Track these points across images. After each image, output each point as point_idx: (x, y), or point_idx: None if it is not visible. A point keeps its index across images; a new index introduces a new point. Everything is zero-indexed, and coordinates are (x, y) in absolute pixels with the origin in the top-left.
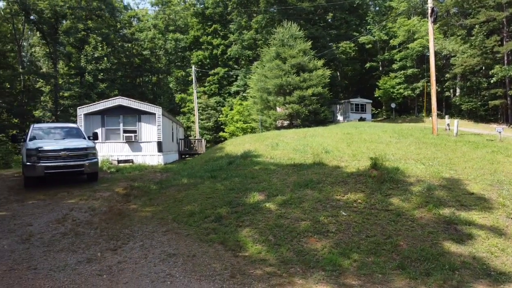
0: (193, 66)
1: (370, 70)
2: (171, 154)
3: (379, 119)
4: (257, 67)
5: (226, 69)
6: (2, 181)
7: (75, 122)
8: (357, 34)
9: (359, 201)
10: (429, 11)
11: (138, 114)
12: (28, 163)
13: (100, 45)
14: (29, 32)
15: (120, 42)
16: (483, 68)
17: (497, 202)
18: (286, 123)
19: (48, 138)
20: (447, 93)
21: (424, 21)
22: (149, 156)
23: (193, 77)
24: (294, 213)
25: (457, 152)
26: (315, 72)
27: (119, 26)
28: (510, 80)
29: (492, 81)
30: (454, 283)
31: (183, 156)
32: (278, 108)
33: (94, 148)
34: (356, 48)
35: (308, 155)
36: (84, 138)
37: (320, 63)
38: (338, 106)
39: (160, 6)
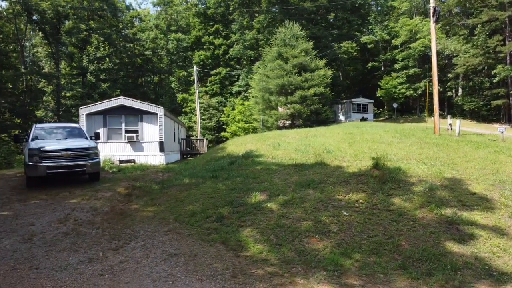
0: (195, 66)
1: (372, 70)
2: (173, 154)
3: (381, 119)
4: (259, 67)
5: (228, 69)
6: (5, 181)
7: (77, 122)
8: (359, 34)
9: (360, 201)
10: (431, 10)
11: (140, 114)
12: (30, 163)
13: (102, 45)
14: (31, 32)
15: (122, 42)
16: (486, 68)
17: (499, 202)
18: (288, 123)
19: (50, 138)
20: (449, 93)
21: (426, 21)
22: (151, 156)
23: (195, 77)
24: (295, 213)
25: (459, 152)
26: (317, 72)
27: (121, 26)
28: None
29: (494, 81)
30: (456, 283)
31: (185, 156)
32: (280, 108)
33: (96, 148)
34: (358, 48)
35: (310, 155)
36: (86, 138)
37: (322, 63)
38: (340, 106)
39: (162, 6)
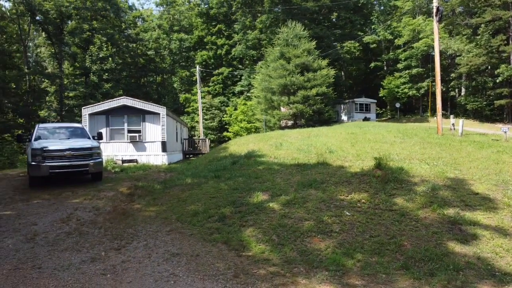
0: (197, 66)
1: (374, 70)
2: (175, 154)
3: (384, 119)
4: (261, 67)
5: (230, 69)
6: (8, 181)
7: (80, 122)
8: (362, 33)
9: (363, 201)
10: (434, 10)
11: (143, 114)
12: (33, 163)
13: (105, 45)
14: (34, 33)
15: (125, 42)
16: (489, 67)
17: (502, 202)
18: (290, 123)
19: (53, 138)
20: (452, 93)
21: (429, 21)
22: (153, 156)
23: (198, 77)
24: (297, 213)
25: (462, 152)
26: (320, 72)
27: (124, 27)
28: None
29: (497, 81)
30: (458, 283)
31: (187, 156)
32: (282, 108)
33: (98, 148)
34: (361, 48)
35: (312, 155)
36: (89, 138)
37: (324, 62)
38: (342, 106)
39: (164, 6)
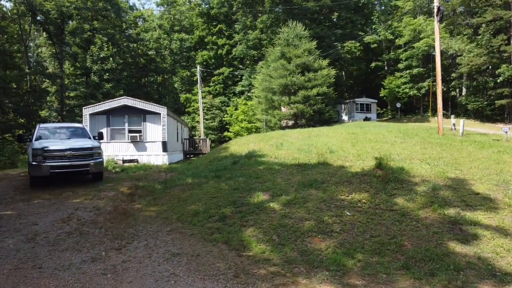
0: (198, 66)
1: (375, 70)
2: (176, 154)
3: (384, 118)
4: (262, 67)
5: (231, 69)
6: (9, 181)
7: (80, 122)
8: (363, 33)
9: (363, 201)
10: (435, 10)
11: (143, 114)
12: (34, 163)
13: (106, 45)
14: (35, 33)
15: (126, 42)
16: (490, 67)
17: (503, 202)
18: (291, 123)
19: (54, 138)
20: (453, 93)
21: (430, 20)
22: (154, 156)
23: (198, 77)
24: (298, 213)
25: (462, 152)
26: (320, 72)
27: (124, 27)
28: None
29: (498, 81)
30: (459, 283)
31: (188, 156)
32: (283, 108)
33: (99, 148)
34: (362, 48)
35: (313, 155)
36: (90, 138)
37: (325, 62)
38: (343, 106)
39: (165, 6)
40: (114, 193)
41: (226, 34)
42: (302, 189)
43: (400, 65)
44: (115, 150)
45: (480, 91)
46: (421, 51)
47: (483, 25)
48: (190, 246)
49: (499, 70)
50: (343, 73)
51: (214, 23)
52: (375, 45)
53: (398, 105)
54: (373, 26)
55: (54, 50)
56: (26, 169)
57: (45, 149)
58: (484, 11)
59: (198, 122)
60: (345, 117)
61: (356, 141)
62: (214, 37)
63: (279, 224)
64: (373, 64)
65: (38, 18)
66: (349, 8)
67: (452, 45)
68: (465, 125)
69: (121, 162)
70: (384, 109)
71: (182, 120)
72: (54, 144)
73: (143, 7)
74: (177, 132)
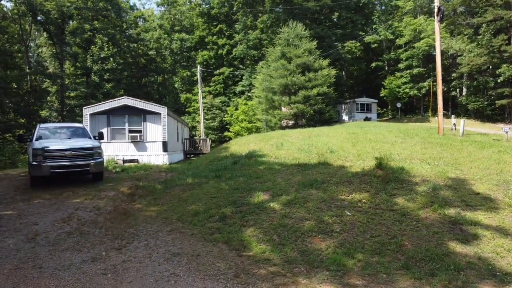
0: (198, 66)
1: (375, 70)
2: (176, 153)
3: (385, 118)
4: (262, 67)
5: (231, 69)
6: (9, 181)
7: (81, 122)
8: (363, 33)
9: (363, 201)
10: (436, 10)
11: (144, 114)
12: (34, 163)
13: (106, 45)
14: (36, 33)
15: (126, 42)
16: (490, 67)
17: (503, 202)
18: (291, 122)
19: (54, 138)
20: (453, 93)
21: (430, 20)
22: (154, 155)
23: (199, 77)
24: (298, 213)
25: (463, 152)
26: (321, 72)
27: (125, 27)
28: None
29: (499, 80)
30: (459, 283)
31: (188, 155)
32: (283, 108)
33: (99, 147)
34: (362, 48)
35: (313, 155)
36: (90, 138)
37: (325, 62)
38: (343, 106)
39: (165, 6)
40: (115, 193)
41: (227, 34)
42: (303, 189)
43: (401, 65)
44: (116, 150)
45: (481, 91)
46: (422, 51)
47: (484, 25)
48: (190, 246)
49: (499, 70)
50: (344, 73)
51: (215, 23)
52: (375, 45)
53: (399, 105)
54: (374, 26)
55: (54, 50)
56: (27, 169)
57: (45, 149)
58: (485, 11)
59: (198, 122)
60: (345, 117)
61: (356, 141)
62: (215, 37)
63: (279, 224)
64: (373, 64)
65: (39, 18)
66: (349, 8)
67: (452, 45)
68: (465, 125)
69: (121, 162)
70: (385, 109)
71: (183, 120)
72: (55, 144)
73: (144, 7)
74: (178, 132)
